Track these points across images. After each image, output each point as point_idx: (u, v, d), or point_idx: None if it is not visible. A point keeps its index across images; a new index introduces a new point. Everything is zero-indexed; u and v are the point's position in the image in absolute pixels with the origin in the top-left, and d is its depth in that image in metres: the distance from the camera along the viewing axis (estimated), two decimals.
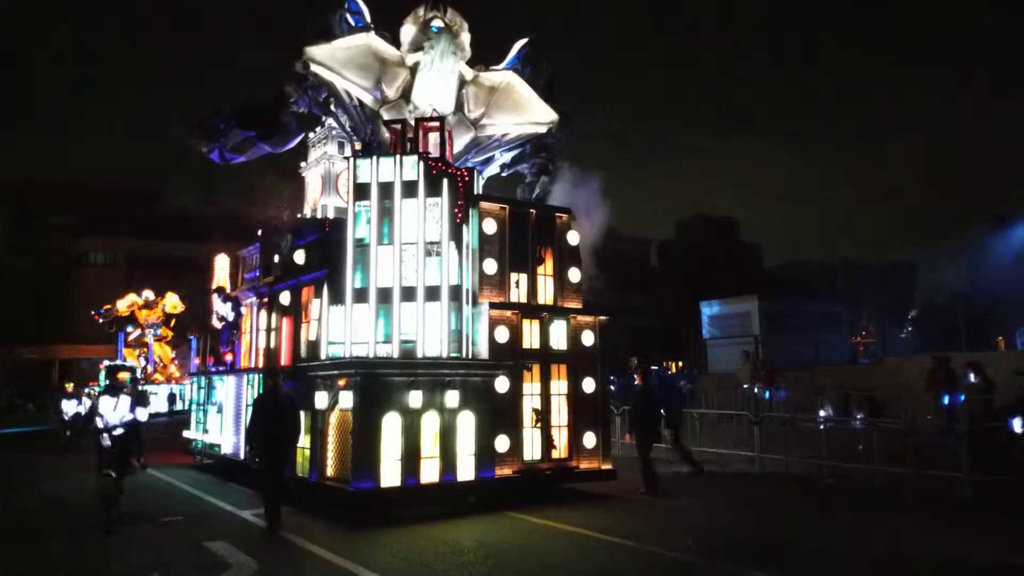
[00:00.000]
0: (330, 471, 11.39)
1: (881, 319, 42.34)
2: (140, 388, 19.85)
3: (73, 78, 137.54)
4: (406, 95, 14.08)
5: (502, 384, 11.97)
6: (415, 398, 10.96)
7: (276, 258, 14.68)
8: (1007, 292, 35.14)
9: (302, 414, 11.07)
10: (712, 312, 41.96)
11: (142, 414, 10.58)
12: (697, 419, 17.41)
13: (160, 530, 10.27)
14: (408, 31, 14.58)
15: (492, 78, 14.84)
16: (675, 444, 15.45)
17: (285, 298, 13.64)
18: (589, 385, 12.95)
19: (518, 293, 12.91)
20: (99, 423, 10.15)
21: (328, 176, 16.87)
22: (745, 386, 25.26)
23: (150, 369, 40.61)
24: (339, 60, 13.94)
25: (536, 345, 12.63)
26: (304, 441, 11.59)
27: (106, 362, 39.06)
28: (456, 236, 12.05)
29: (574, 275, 13.49)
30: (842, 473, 13.60)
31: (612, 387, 29.05)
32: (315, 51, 13.85)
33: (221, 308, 16.48)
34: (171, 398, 38.56)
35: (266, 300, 14.63)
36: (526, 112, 14.93)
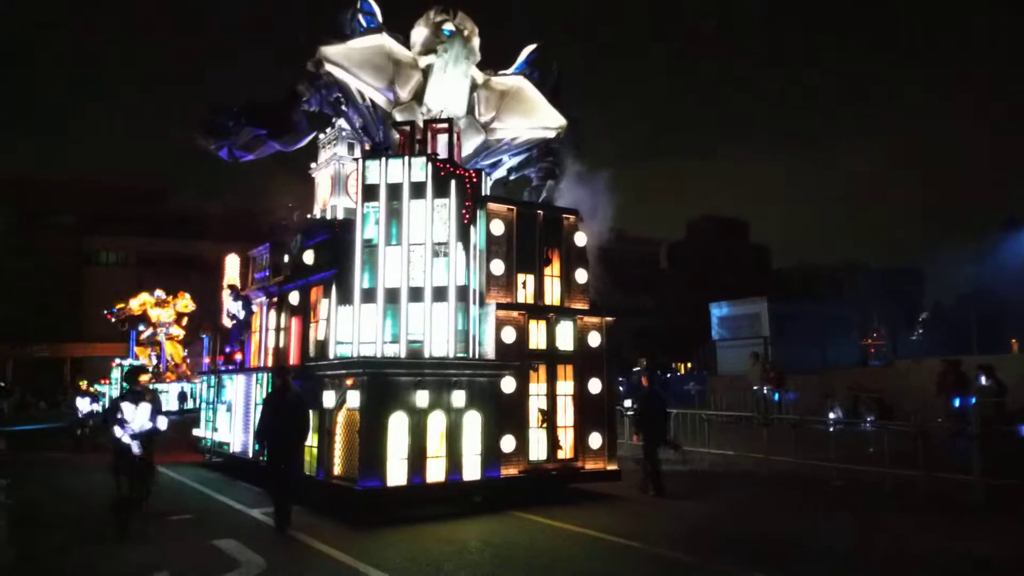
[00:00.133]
0: (337, 470, 11.48)
1: (891, 321, 42.24)
2: (151, 387, 20.03)
3: (73, 78, 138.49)
4: (418, 97, 14.18)
5: (508, 384, 12.03)
6: (422, 398, 11.04)
7: (286, 258, 14.79)
8: (1019, 294, 35.00)
9: (311, 413, 11.19)
10: (721, 313, 41.89)
11: (162, 423, 10.34)
12: (706, 420, 17.40)
13: (169, 528, 10.36)
14: (420, 33, 14.68)
15: (503, 82, 14.96)
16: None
17: (294, 298, 13.74)
18: (595, 386, 13.00)
19: (525, 294, 12.96)
20: (117, 431, 9.75)
21: (338, 177, 16.97)
22: (755, 388, 25.24)
23: (162, 368, 40.78)
24: (354, 60, 14.04)
25: (542, 346, 12.70)
26: (312, 440, 11.69)
27: (118, 361, 39.31)
28: (463, 237, 12.14)
29: (581, 276, 13.54)
30: (852, 475, 13.56)
31: (620, 388, 29.15)
32: (330, 50, 13.96)
33: (232, 306, 16.61)
34: (181, 397, 38.71)
35: (276, 300, 14.74)
36: (535, 117, 15.03)
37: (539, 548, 9.23)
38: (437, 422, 11.26)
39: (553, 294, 13.30)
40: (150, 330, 40.48)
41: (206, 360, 19.72)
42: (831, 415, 21.59)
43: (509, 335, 12.24)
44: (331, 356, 12.14)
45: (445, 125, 13.11)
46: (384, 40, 14.27)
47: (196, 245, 57.10)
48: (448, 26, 14.48)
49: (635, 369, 22.41)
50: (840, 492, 13.04)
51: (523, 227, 13.02)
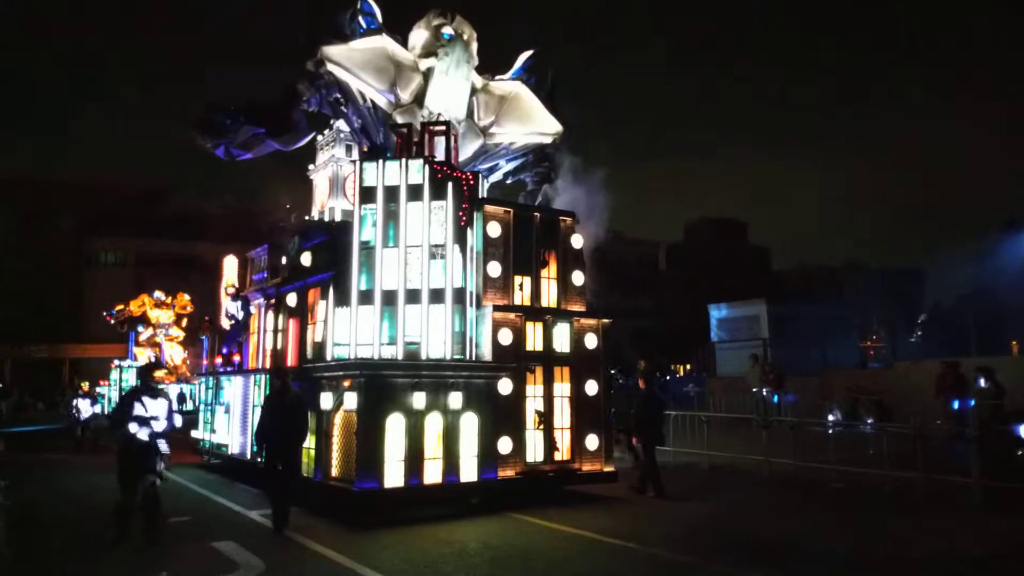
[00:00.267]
0: (335, 471, 11.51)
1: (890, 323, 42.19)
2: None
3: (73, 78, 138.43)
4: (419, 99, 14.23)
5: (505, 386, 12.05)
6: (419, 399, 11.06)
7: (283, 260, 14.81)
8: (1019, 296, 34.97)
9: (309, 414, 11.22)
10: (720, 315, 41.88)
11: (179, 421, 10.19)
12: (705, 422, 17.41)
13: (168, 530, 10.35)
14: (420, 35, 14.74)
15: (502, 87, 15.07)
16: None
17: (292, 299, 13.77)
18: (592, 387, 13.02)
19: (522, 296, 13.00)
20: (133, 427, 9.15)
21: (336, 179, 16.99)
22: (754, 390, 25.25)
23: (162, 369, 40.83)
24: (355, 61, 14.10)
25: (539, 347, 12.72)
26: (309, 442, 11.71)
27: (117, 362, 39.31)
28: (460, 239, 12.17)
29: (577, 278, 13.57)
30: (851, 477, 13.57)
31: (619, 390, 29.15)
32: (332, 51, 14.01)
33: (231, 306, 16.65)
34: (180, 397, 38.75)
35: (273, 301, 14.76)
36: (533, 122, 15.14)
37: (537, 550, 9.25)
38: (434, 424, 11.28)
39: (550, 296, 13.33)
40: (149, 331, 40.52)
41: (206, 361, 19.73)
42: (830, 417, 21.62)
43: (506, 337, 12.26)
44: (328, 358, 12.17)
45: (442, 128, 13.15)
46: (386, 42, 14.32)
47: (195, 246, 57.22)
48: (447, 30, 14.54)
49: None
50: (839, 494, 13.05)
51: (520, 229, 13.05)
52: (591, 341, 13.19)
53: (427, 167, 12.27)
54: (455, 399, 11.35)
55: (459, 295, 12.06)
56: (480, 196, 13.18)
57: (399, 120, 13.72)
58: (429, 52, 14.41)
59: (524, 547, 9.35)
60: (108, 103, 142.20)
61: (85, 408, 22.15)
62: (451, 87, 14.14)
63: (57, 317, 54.88)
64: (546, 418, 12.61)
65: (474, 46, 14.61)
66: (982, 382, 17.63)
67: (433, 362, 11.68)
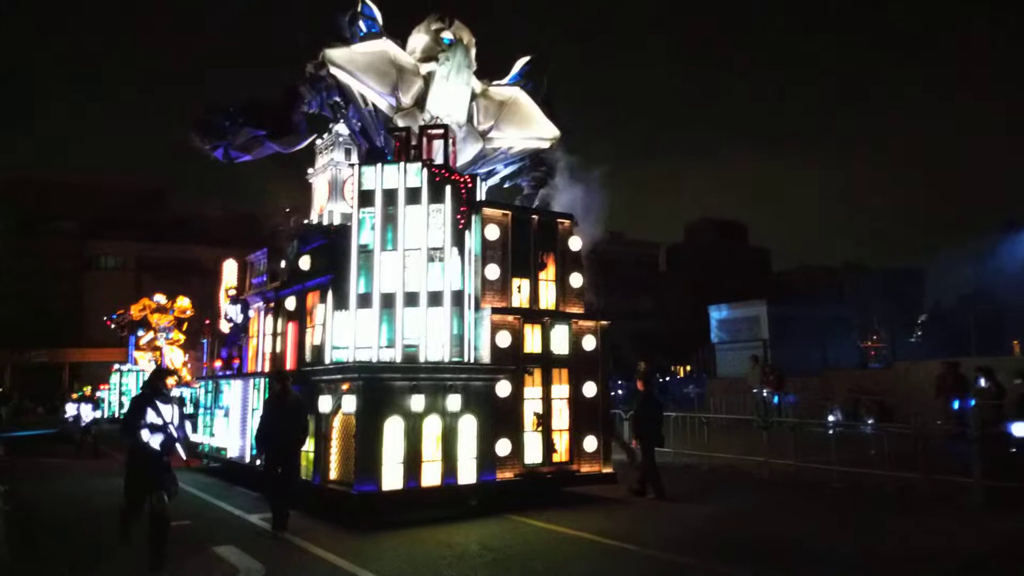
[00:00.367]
0: (333, 474, 11.52)
1: (890, 323, 42.19)
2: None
3: (73, 77, 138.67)
4: (420, 103, 14.25)
5: (504, 388, 12.07)
6: (417, 402, 11.07)
7: (283, 263, 14.82)
8: (1019, 296, 34.98)
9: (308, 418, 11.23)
10: (721, 316, 41.91)
11: (190, 429, 10.23)
12: (705, 423, 17.41)
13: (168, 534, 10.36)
14: (420, 39, 14.78)
15: (501, 92, 15.15)
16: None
17: (291, 303, 13.78)
18: (590, 389, 13.03)
19: (520, 298, 13.01)
20: (145, 435, 8.56)
21: (335, 182, 17.01)
22: (754, 391, 25.25)
23: None
24: (358, 64, 14.12)
25: (538, 350, 12.74)
26: (308, 445, 11.72)
27: (117, 366, 39.29)
28: (459, 242, 12.18)
29: (576, 280, 13.59)
30: (852, 478, 13.58)
31: (620, 391, 29.15)
32: (334, 53, 14.03)
33: (230, 310, 16.66)
34: (179, 401, 38.69)
35: (272, 305, 14.78)
36: (531, 127, 15.20)
37: (537, 552, 9.25)
38: (433, 426, 11.29)
39: (548, 298, 13.35)
40: (150, 335, 40.52)
41: (206, 365, 19.79)
42: (831, 417, 21.61)
43: (504, 339, 12.27)
44: (327, 361, 12.18)
45: (440, 131, 13.18)
46: (388, 46, 14.37)
47: (195, 249, 57.27)
48: (447, 35, 14.59)
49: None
50: (840, 494, 13.06)
51: (518, 232, 13.08)
52: (589, 343, 13.20)
53: (425, 170, 12.29)
54: (453, 401, 11.36)
55: (457, 298, 12.07)
56: (478, 199, 13.20)
57: (400, 123, 13.75)
58: (429, 56, 14.44)
59: (524, 549, 9.35)
60: (108, 103, 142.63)
61: (86, 412, 22.18)
62: (452, 92, 14.17)
63: (57, 321, 54.89)
64: (544, 420, 12.62)
65: (473, 51, 14.65)
66: (982, 382, 17.64)
67: (431, 365, 11.69)
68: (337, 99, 14.77)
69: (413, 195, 12.22)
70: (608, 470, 13.11)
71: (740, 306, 41.66)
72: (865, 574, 8.47)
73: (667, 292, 71.77)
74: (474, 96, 14.71)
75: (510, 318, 12.48)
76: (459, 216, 12.20)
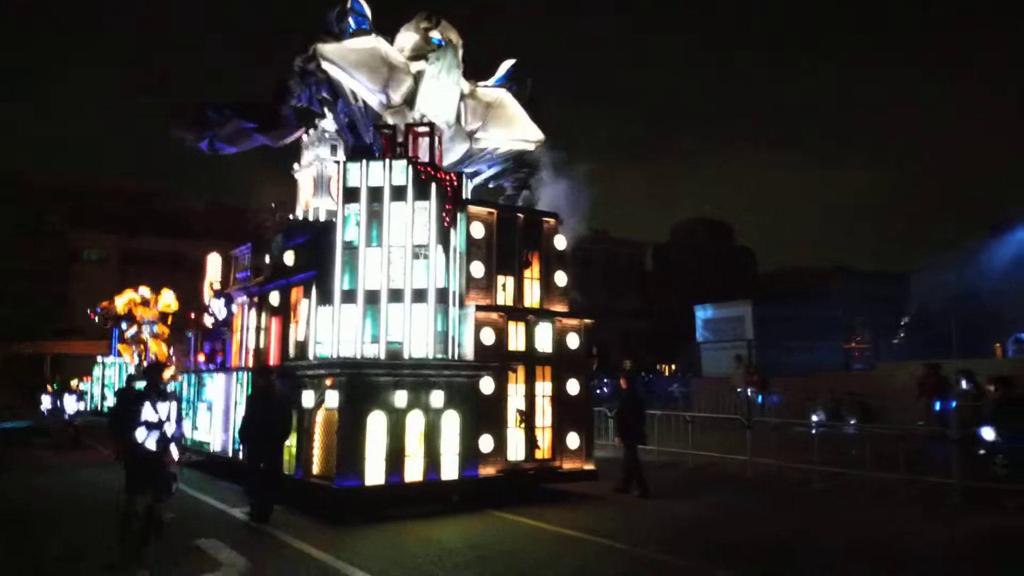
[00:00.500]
0: (316, 469, 11.53)
1: (874, 325, 42.53)
2: (135, 385, 20.07)
3: (60, 63, 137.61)
4: (409, 102, 14.25)
5: (487, 385, 12.13)
6: (400, 398, 11.12)
7: (267, 259, 14.81)
8: (1002, 299, 35.27)
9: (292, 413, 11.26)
10: (706, 316, 42.20)
11: (186, 426, 9.91)
12: (690, 422, 17.50)
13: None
14: (409, 38, 14.80)
15: (488, 94, 15.22)
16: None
17: (274, 298, 13.79)
18: (573, 387, 13.11)
19: (504, 296, 13.08)
20: (140, 434, 8.15)
21: (320, 178, 16.98)
22: (738, 390, 25.38)
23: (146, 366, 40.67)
24: (350, 60, 14.10)
25: (521, 347, 12.80)
26: (291, 439, 11.74)
27: (100, 358, 39.12)
28: (443, 239, 12.22)
29: (560, 279, 13.66)
30: (834, 478, 13.72)
31: (605, 389, 29.26)
32: (327, 48, 14.01)
33: (214, 305, 16.63)
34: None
35: (257, 300, 14.76)
36: (517, 129, 15.28)
37: (522, 548, 9.30)
38: (416, 422, 11.34)
39: (532, 296, 13.42)
40: (134, 328, 40.33)
41: (192, 359, 19.75)
42: (814, 418, 21.77)
43: (488, 336, 12.32)
44: (311, 356, 12.20)
45: (426, 129, 13.20)
46: (379, 43, 14.38)
47: (180, 243, 56.94)
48: (434, 34, 14.63)
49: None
50: (822, 494, 13.20)
51: (503, 230, 13.13)
52: (573, 341, 13.27)
53: (411, 168, 12.31)
54: (437, 398, 11.41)
55: (442, 295, 12.11)
56: (464, 197, 13.23)
57: (391, 121, 13.75)
58: (419, 55, 14.47)
59: (509, 546, 9.40)
60: (97, 96, 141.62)
61: (70, 404, 22.09)
62: (442, 91, 14.20)
63: (40, 313, 54.50)
64: (528, 417, 12.68)
65: (460, 52, 14.69)
66: (964, 384, 17.82)
67: (415, 361, 11.73)
68: (325, 95, 14.76)
69: (398, 192, 12.23)
70: (590, 467, 13.18)
71: (725, 306, 41.96)
72: (846, 572, 8.55)
73: (653, 291, 71.93)
74: (462, 96, 14.75)
75: (494, 315, 12.52)
76: (444, 214, 12.23)
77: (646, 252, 79.06)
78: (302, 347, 12.67)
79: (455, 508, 11.30)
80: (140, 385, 21.42)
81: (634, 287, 70.39)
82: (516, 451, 12.54)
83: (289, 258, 13.57)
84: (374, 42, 14.34)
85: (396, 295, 11.99)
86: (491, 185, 16.18)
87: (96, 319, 41.26)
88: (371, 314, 12.02)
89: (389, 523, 10.49)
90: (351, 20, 14.64)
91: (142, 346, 40.36)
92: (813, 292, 61.78)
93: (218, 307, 16.30)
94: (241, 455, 12.84)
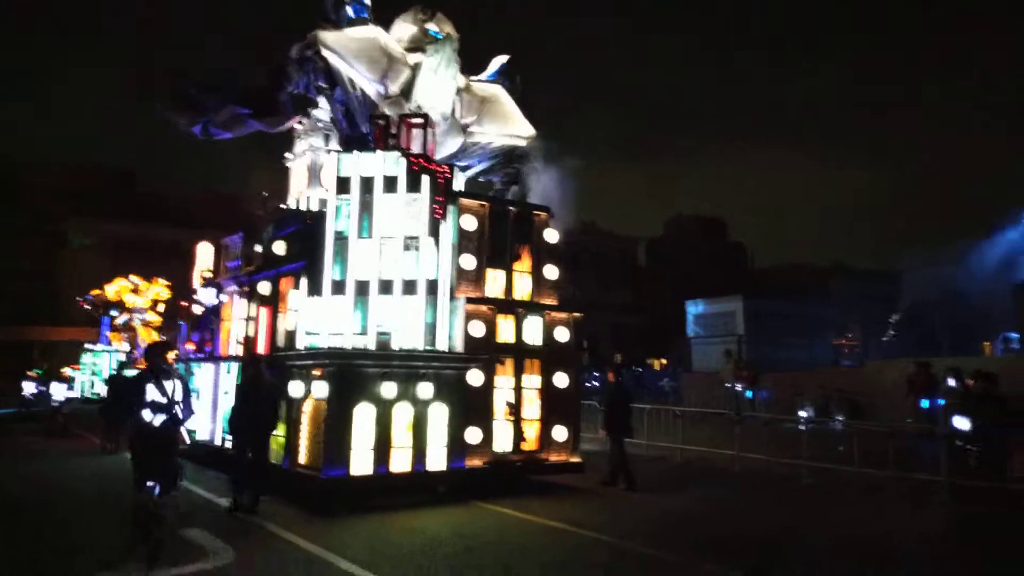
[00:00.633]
0: (303, 459, 11.54)
1: (864, 323, 42.67)
2: (125, 373, 20.05)
3: (52, 48, 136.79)
4: (407, 93, 14.24)
5: (475, 377, 12.15)
6: (389, 389, 11.13)
7: (257, 248, 14.75)
8: (992, 298, 35.43)
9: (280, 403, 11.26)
10: (697, 311, 42.24)
11: (196, 407, 9.71)
12: (679, 416, 17.56)
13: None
14: (406, 29, 14.78)
15: (483, 88, 15.28)
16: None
17: (264, 288, 13.73)
18: (562, 380, 13.13)
19: (495, 289, 13.08)
20: (147, 415, 7.70)
21: (313, 167, 16.89)
22: (727, 385, 25.46)
23: (137, 354, 40.53)
24: (350, 49, 14.08)
25: (511, 340, 12.82)
26: (279, 429, 11.73)
27: (89, 345, 38.97)
28: (435, 231, 12.21)
29: (550, 272, 13.68)
30: (822, 474, 13.81)
31: (596, 383, 29.28)
32: (327, 36, 13.98)
33: (203, 293, 16.57)
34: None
35: (247, 289, 14.72)
36: (510, 125, 15.35)
37: (510, 540, 9.33)
38: (404, 413, 11.36)
39: (523, 289, 13.44)
40: (125, 316, 40.21)
41: (183, 347, 19.70)
42: (802, 414, 21.86)
43: (478, 329, 12.33)
44: (300, 346, 12.17)
45: (420, 120, 13.17)
46: (379, 34, 14.37)
47: (171, 230, 56.62)
48: (431, 26, 14.60)
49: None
50: (810, 490, 13.28)
51: (494, 223, 13.15)
52: (562, 334, 13.28)
53: (404, 159, 12.28)
54: (425, 389, 11.42)
55: (432, 287, 12.11)
56: (456, 189, 13.22)
57: (388, 111, 13.72)
58: (416, 47, 14.45)
59: (496, 537, 9.43)
60: (86, 84, 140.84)
61: (58, 392, 22.01)
62: (439, 84, 14.20)
63: (27, 299, 54.19)
64: (515, 409, 12.70)
65: (456, 45, 14.67)
66: (952, 382, 17.90)
67: (404, 352, 11.73)
68: (322, 83, 14.70)
69: (390, 183, 12.21)
70: (576, 459, 13.23)
71: (716, 301, 42.03)
72: (834, 567, 8.60)
73: (646, 286, 72.00)
74: (458, 91, 14.75)
75: (484, 308, 12.53)
76: (436, 206, 12.21)
77: (639, 247, 79.13)
78: (291, 337, 12.65)
79: (442, 499, 11.33)
80: (131, 373, 21.35)
81: (627, 281, 70.46)
82: (503, 443, 12.57)
83: (279, 248, 13.52)
84: (374, 32, 14.32)
85: (386, 286, 11.98)
86: (481, 180, 16.19)
87: (87, 307, 41.09)
88: (361, 305, 12.00)
89: (376, 513, 10.51)
90: (349, 9, 14.60)
91: (132, 334, 40.26)
92: (805, 289, 62.01)
93: (206, 295, 16.25)
94: (229, 444, 12.83)
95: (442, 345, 12.18)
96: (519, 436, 12.72)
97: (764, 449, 14.96)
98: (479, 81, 15.32)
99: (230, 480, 11.08)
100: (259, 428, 10.87)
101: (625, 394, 14.03)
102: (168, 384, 7.88)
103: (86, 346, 39.25)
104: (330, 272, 12.03)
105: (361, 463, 10.92)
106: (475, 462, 12.00)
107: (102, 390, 31.65)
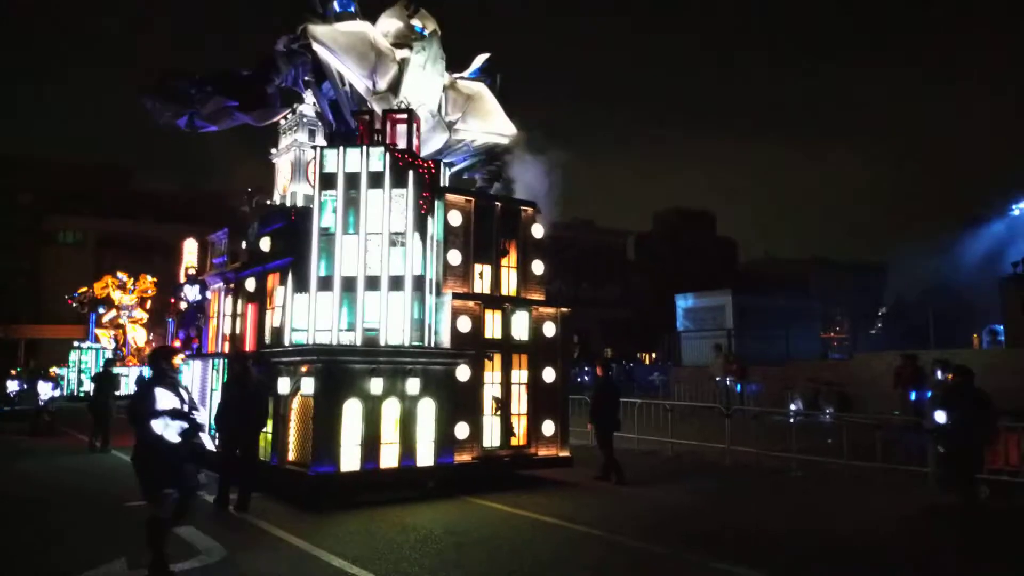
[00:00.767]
0: (291, 455, 11.51)
1: (853, 316, 42.79)
2: (112, 370, 19.93)
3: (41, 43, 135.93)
4: (394, 89, 14.18)
5: (463, 373, 12.15)
6: (376, 385, 11.10)
7: (243, 244, 14.69)
8: (978, 291, 35.56)
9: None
10: (686, 305, 42.10)
11: (204, 416, 9.46)
12: (669, 410, 17.59)
13: (124, 515, 10.23)
14: (392, 24, 14.72)
15: (468, 86, 15.27)
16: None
17: (251, 284, 13.69)
18: (549, 375, 13.15)
19: (481, 284, 13.08)
20: (159, 426, 7.18)
21: (298, 163, 16.89)
22: (717, 379, 25.51)
23: (127, 351, 40.38)
24: (340, 43, 14.00)
25: (498, 335, 12.81)
26: (267, 426, 11.69)
27: (77, 343, 38.74)
28: (421, 227, 12.16)
29: (537, 267, 13.68)
30: (811, 466, 13.88)
31: (586, 378, 29.30)
32: (318, 30, 13.90)
33: (188, 290, 16.51)
34: (140, 381, 38.33)
35: (232, 286, 14.66)
36: (493, 123, 15.31)
37: (500, 535, 9.31)
38: (392, 409, 11.33)
39: (509, 285, 13.43)
40: (112, 313, 40.03)
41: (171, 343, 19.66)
42: (791, 407, 21.94)
43: (465, 324, 12.32)
44: (287, 343, 12.13)
45: (404, 115, 13.11)
46: (368, 29, 14.30)
47: (157, 227, 56.31)
48: (416, 22, 14.56)
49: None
50: (800, 482, 13.33)
51: (481, 218, 13.12)
52: (549, 329, 13.29)
53: (388, 155, 12.22)
54: (413, 385, 11.40)
55: (419, 282, 12.07)
56: (442, 185, 13.18)
57: (375, 106, 13.67)
58: (402, 43, 14.39)
59: (487, 532, 9.42)
60: (72, 80, 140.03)
61: (44, 390, 21.93)
62: (426, 81, 14.15)
63: (12, 297, 53.77)
64: (503, 404, 12.69)
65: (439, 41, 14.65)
66: (939, 374, 17.94)
67: (391, 348, 11.70)
68: (307, 78, 14.64)
69: (376, 179, 12.15)
70: (565, 454, 13.26)
71: (706, 295, 41.91)
72: (825, 557, 8.64)
73: (635, 280, 72.11)
74: (444, 88, 14.71)
75: (471, 303, 12.52)
76: (422, 201, 12.16)
77: (628, 241, 79.21)
78: (278, 334, 12.60)
79: (430, 494, 11.32)
80: (117, 370, 21.21)
81: (616, 276, 70.56)
82: (492, 438, 12.59)
83: (265, 244, 13.47)
84: (363, 27, 14.25)
85: (373, 282, 11.93)
86: (464, 176, 16.18)
87: (74, 304, 40.87)
88: (347, 301, 11.96)
89: (365, 509, 10.49)
90: (335, 2, 14.53)
91: (120, 331, 40.08)
92: (793, 282, 62.26)
93: (191, 292, 16.19)
94: (215, 442, 12.78)
95: (429, 341, 12.17)
96: (507, 431, 12.73)
97: (754, 442, 15.02)
98: (463, 79, 15.29)
99: (219, 478, 11.04)
100: (247, 425, 10.86)
101: (613, 388, 14.05)
102: (175, 393, 7.41)
103: (74, 343, 39.02)
104: (316, 268, 11.98)
105: (350, 459, 10.89)
106: (464, 457, 12.00)
107: (91, 388, 31.48)
